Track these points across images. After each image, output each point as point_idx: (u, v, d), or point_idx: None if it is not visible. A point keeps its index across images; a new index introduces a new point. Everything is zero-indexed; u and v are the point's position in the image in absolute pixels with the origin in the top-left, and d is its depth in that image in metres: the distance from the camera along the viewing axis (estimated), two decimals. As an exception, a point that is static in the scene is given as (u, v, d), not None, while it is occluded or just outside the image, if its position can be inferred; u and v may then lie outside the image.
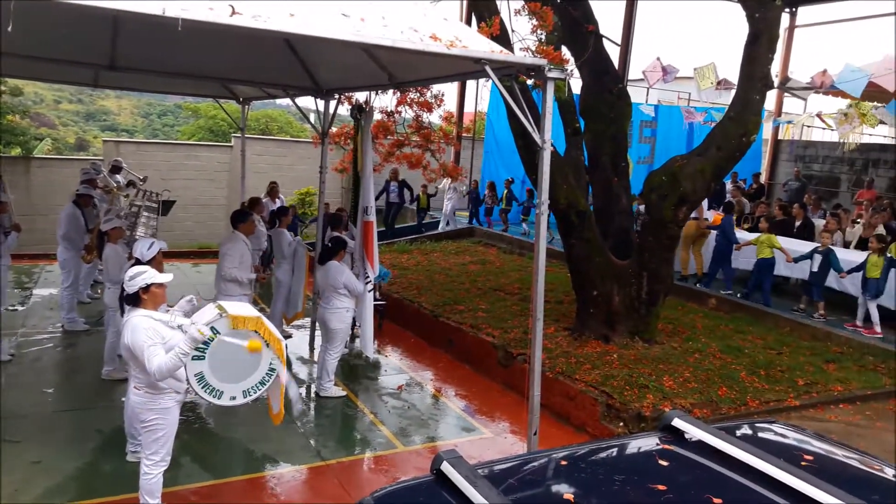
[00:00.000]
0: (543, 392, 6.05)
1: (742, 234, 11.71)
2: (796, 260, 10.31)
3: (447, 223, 17.16)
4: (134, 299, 4.57)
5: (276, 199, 12.57)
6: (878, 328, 9.47)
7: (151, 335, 4.41)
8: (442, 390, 8.17)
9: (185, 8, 3.82)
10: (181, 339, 4.36)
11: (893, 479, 2.68)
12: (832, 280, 10.12)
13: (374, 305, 8.41)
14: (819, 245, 10.23)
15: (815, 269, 10.07)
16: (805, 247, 10.61)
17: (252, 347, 4.59)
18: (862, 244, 11.29)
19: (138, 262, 5.58)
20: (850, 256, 10.29)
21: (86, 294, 10.57)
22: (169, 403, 4.67)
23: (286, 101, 10.50)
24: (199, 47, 7.37)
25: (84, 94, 49.87)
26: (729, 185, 16.84)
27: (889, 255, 9.44)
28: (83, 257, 9.08)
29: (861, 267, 9.64)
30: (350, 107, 8.75)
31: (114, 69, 7.96)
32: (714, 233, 11.71)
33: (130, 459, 5.72)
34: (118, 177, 13.23)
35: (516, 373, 7.87)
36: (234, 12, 3.93)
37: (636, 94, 17.79)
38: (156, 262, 5.68)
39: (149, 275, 4.59)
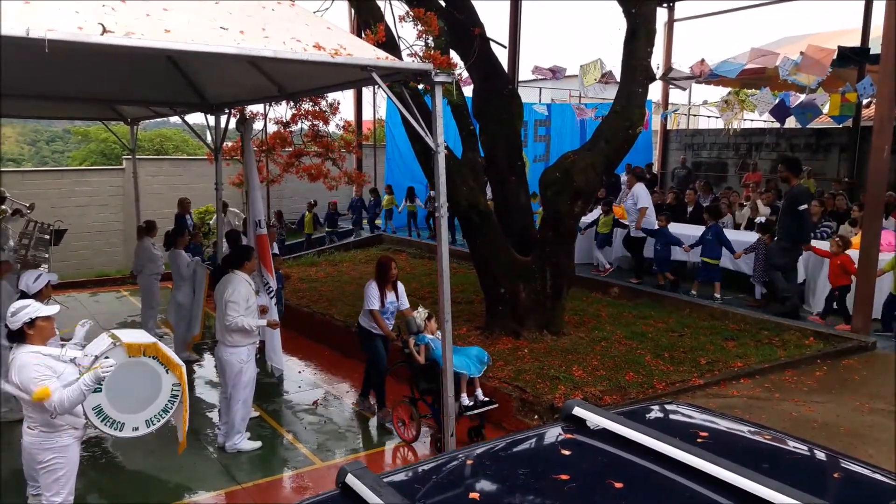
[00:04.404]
0: (457, 393, 6.08)
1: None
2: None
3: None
4: (19, 335, 4.32)
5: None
6: (608, 265, 12.25)
7: (42, 371, 4.20)
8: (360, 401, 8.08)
9: (52, 28, 3.66)
10: (87, 375, 4.17)
11: (782, 446, 2.83)
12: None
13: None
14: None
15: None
16: (697, 230, 11.06)
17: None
18: (750, 224, 11.91)
19: (24, 295, 5.31)
20: (588, 218, 12.49)
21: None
22: (67, 441, 4.46)
23: (181, 119, 10.24)
24: (79, 69, 7.09)
25: (-43, 124, 46.80)
26: (624, 177, 17.39)
27: (613, 215, 12.18)
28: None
29: (595, 223, 12.37)
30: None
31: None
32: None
33: (32, 503, 5.44)
34: (3, 206, 12.66)
35: (431, 376, 7.85)
36: (104, 31, 3.79)
37: (529, 93, 18.17)
38: (43, 295, 5.42)
39: (32, 308, 4.35)
